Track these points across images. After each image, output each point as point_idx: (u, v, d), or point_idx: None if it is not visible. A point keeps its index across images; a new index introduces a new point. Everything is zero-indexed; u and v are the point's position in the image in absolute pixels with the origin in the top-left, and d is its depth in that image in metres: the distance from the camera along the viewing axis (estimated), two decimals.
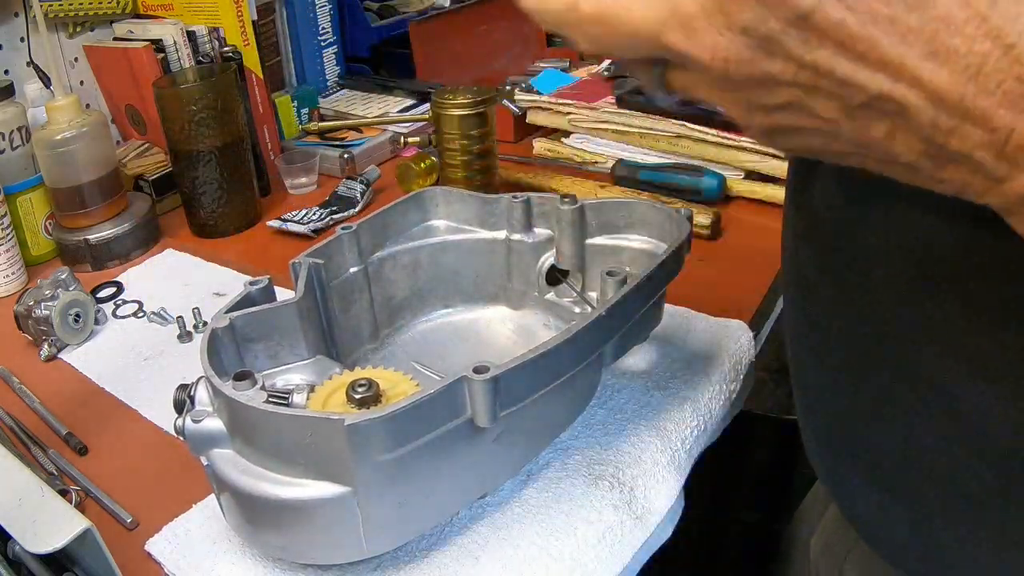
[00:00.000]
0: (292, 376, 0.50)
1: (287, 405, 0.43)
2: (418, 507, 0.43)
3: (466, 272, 0.61)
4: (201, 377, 0.44)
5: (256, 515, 0.43)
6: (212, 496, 0.51)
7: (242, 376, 0.42)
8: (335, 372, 0.47)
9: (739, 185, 0.84)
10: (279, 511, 0.41)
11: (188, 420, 0.43)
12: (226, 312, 0.47)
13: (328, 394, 0.44)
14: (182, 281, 0.80)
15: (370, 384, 0.42)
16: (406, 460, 0.39)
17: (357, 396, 0.42)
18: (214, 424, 0.43)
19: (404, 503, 0.42)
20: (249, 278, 0.50)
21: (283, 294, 0.51)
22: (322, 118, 1.11)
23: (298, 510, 0.41)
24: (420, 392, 0.38)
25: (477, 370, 0.39)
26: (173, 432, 0.44)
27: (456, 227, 0.61)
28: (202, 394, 0.44)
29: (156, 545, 0.48)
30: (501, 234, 0.60)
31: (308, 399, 0.44)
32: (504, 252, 0.60)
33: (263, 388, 0.42)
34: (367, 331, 0.59)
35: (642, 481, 0.50)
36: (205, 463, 0.43)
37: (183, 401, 0.44)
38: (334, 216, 0.87)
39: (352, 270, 0.56)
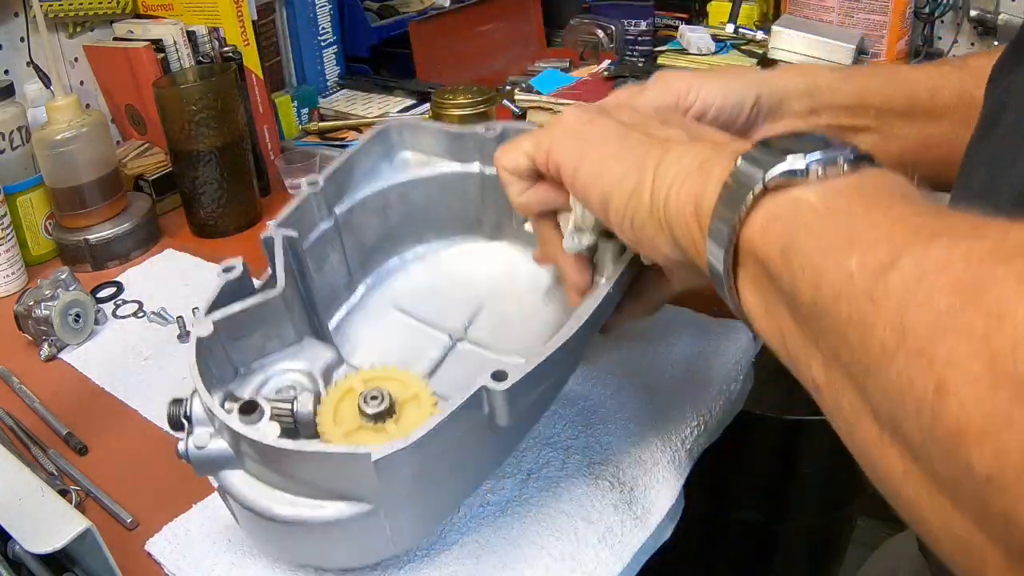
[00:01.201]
0: (282, 366, 0.47)
1: (292, 416, 0.42)
2: (439, 502, 0.43)
3: (438, 208, 0.58)
4: (195, 391, 0.42)
5: (274, 531, 0.42)
6: (212, 496, 0.51)
7: (249, 408, 0.40)
8: (337, 374, 0.46)
9: None
10: (298, 529, 0.40)
11: (191, 446, 0.41)
12: (207, 314, 0.44)
13: (336, 403, 0.42)
14: (182, 281, 0.80)
15: (383, 396, 0.41)
16: (428, 468, 0.39)
17: (371, 412, 0.40)
18: (219, 446, 0.41)
19: (426, 505, 0.42)
20: (221, 266, 0.47)
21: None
22: (322, 118, 1.11)
23: (320, 529, 0.40)
24: (442, 412, 0.37)
25: (496, 376, 0.38)
26: (171, 434, 0.44)
27: (425, 160, 0.57)
28: (199, 409, 0.42)
29: (156, 545, 0.48)
30: (474, 167, 0.57)
31: (316, 411, 0.42)
32: (478, 186, 0.57)
33: (264, 400, 0.41)
34: (342, 282, 0.56)
35: (642, 481, 0.50)
36: (215, 482, 0.42)
37: (177, 418, 0.42)
38: None
39: (323, 228, 0.53)
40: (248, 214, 0.89)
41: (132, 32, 0.96)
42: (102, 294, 0.78)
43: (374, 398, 0.41)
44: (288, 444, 0.37)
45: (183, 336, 0.70)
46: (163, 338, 0.71)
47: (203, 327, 0.43)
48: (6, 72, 0.90)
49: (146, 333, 0.72)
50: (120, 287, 0.80)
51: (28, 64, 0.91)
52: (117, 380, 0.65)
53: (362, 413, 0.41)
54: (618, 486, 0.49)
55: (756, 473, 1.20)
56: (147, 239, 0.86)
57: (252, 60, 0.97)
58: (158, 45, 0.93)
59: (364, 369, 0.45)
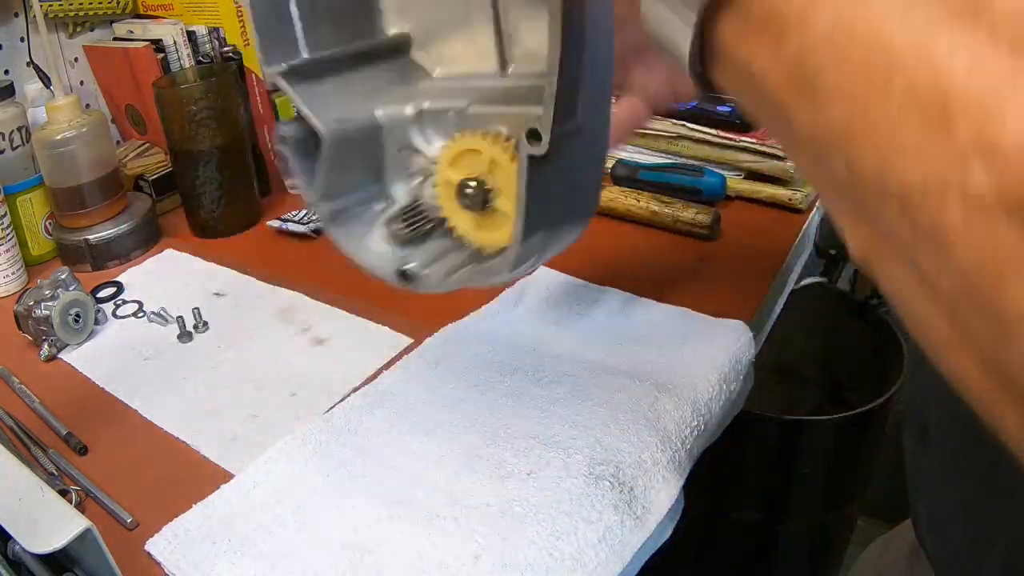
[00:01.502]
0: (391, 161, 0.44)
1: (430, 223, 0.42)
2: (579, 209, 0.40)
3: None
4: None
5: None
6: (212, 496, 0.51)
7: (407, 278, 0.41)
8: (427, 94, 0.43)
9: (739, 185, 0.84)
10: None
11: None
12: (320, 200, 0.42)
13: (449, 198, 0.40)
14: (182, 281, 0.80)
15: (474, 189, 0.39)
16: (548, 210, 0.37)
17: (475, 207, 0.39)
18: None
19: (567, 226, 0.40)
20: (279, 133, 0.43)
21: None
22: None
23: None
24: (519, 176, 0.34)
25: (531, 136, 0.34)
26: (171, 434, 0.44)
27: None
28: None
29: (156, 545, 0.48)
30: None
31: (446, 220, 0.41)
32: None
33: (415, 263, 0.41)
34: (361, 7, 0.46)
35: (642, 481, 0.50)
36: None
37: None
38: None
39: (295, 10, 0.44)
40: (248, 214, 0.89)
41: (132, 32, 0.96)
42: (102, 294, 0.78)
43: (467, 194, 0.39)
44: (453, 287, 0.39)
45: (183, 336, 0.70)
46: (163, 338, 0.71)
47: (332, 228, 0.43)
48: (6, 72, 0.90)
49: (146, 333, 0.72)
50: (120, 287, 0.80)
51: (28, 64, 0.91)
52: (117, 380, 0.65)
53: (463, 206, 0.40)
54: (618, 486, 0.49)
55: (756, 473, 1.21)
56: (147, 239, 0.86)
57: (252, 60, 0.97)
58: (158, 45, 0.93)
59: (440, 153, 0.41)
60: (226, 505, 0.51)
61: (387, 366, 0.63)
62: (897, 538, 0.63)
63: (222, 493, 0.52)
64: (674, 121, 0.88)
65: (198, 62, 0.95)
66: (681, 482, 0.51)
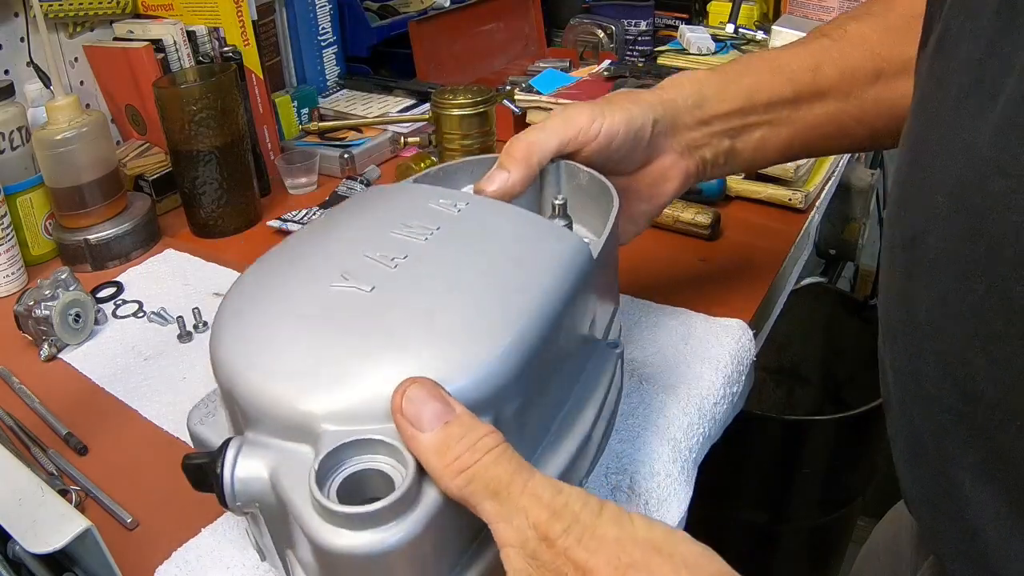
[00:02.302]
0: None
1: None
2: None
3: None
4: None
5: None
6: (222, 519, 0.50)
7: None
8: None
9: (739, 185, 0.84)
10: None
11: None
12: None
13: None
14: (182, 281, 0.80)
15: None
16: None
17: None
18: None
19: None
20: None
21: None
22: (322, 118, 1.11)
23: None
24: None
25: None
26: (171, 433, 0.43)
27: None
28: None
29: (167, 572, 0.47)
30: None
31: None
32: None
33: None
34: None
35: (656, 493, 0.50)
36: None
37: None
38: None
39: None
40: (248, 214, 0.89)
41: (132, 32, 0.96)
42: (102, 294, 0.78)
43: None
44: None
45: (183, 336, 0.70)
46: (163, 338, 0.71)
47: None
48: (6, 72, 0.90)
49: (146, 333, 0.72)
50: (120, 287, 0.80)
51: (28, 64, 0.91)
52: (117, 380, 0.65)
53: None
54: (635, 497, 0.49)
55: (757, 473, 1.21)
56: (147, 239, 0.86)
57: (252, 60, 0.97)
58: (158, 45, 0.93)
59: None
60: (236, 527, 0.50)
61: None
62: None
63: (231, 517, 0.50)
64: None
65: (198, 62, 0.95)
66: (690, 492, 0.51)
